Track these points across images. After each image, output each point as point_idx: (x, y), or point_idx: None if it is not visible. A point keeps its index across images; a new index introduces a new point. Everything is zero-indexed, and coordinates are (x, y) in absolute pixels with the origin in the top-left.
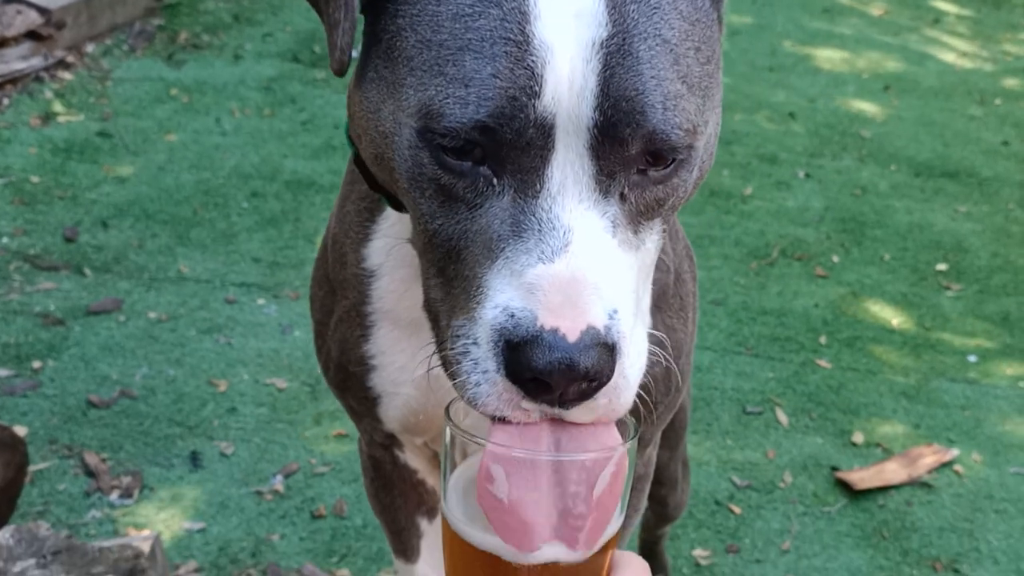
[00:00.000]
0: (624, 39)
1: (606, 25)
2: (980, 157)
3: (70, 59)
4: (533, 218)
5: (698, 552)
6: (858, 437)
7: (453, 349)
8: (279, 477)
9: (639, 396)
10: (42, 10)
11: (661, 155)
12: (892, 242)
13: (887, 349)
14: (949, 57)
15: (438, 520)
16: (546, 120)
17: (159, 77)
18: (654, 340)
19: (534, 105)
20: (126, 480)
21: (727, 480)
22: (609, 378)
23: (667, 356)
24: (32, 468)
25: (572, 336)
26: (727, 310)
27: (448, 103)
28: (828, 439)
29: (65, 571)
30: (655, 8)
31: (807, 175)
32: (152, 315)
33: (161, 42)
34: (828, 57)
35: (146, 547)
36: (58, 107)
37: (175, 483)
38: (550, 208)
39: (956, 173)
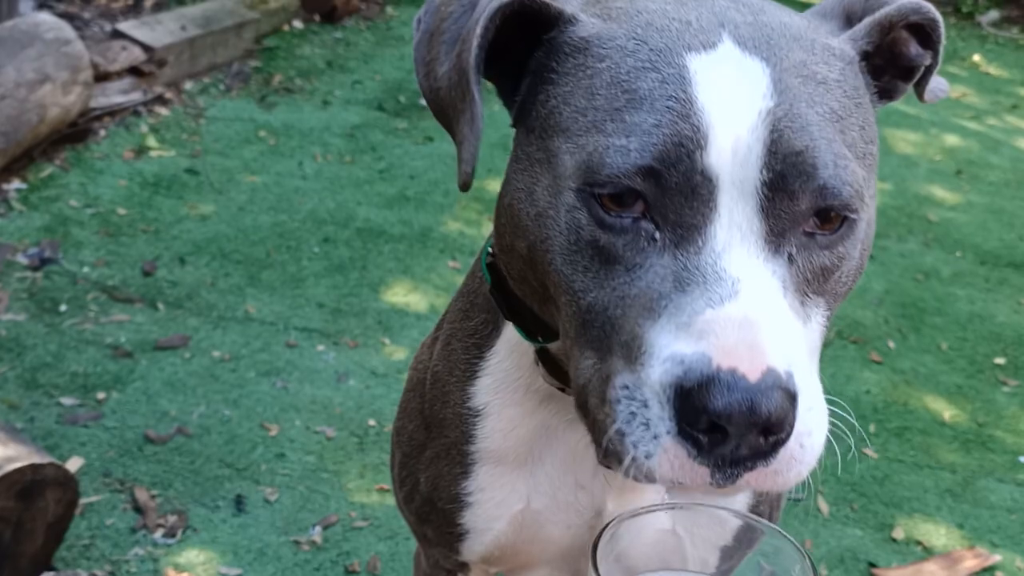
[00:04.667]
0: (791, 106)
1: (771, 96)
2: None
3: (168, 95)
4: (697, 271)
5: None
6: (899, 533)
7: (615, 422)
8: (318, 528)
9: (745, 528)
10: (146, 47)
11: (829, 215)
12: (951, 331)
13: (936, 442)
14: None
15: None
16: (711, 175)
17: (250, 118)
18: None
19: (699, 156)
20: (172, 519)
21: (755, 565)
22: (790, 433)
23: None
24: (83, 500)
25: (752, 376)
26: None
27: (609, 152)
28: (868, 532)
29: None
30: (821, 83)
31: (871, 256)
32: (216, 354)
33: (256, 84)
34: (902, 138)
35: None
36: (151, 142)
37: (218, 526)
38: (715, 262)
39: (1022, 264)
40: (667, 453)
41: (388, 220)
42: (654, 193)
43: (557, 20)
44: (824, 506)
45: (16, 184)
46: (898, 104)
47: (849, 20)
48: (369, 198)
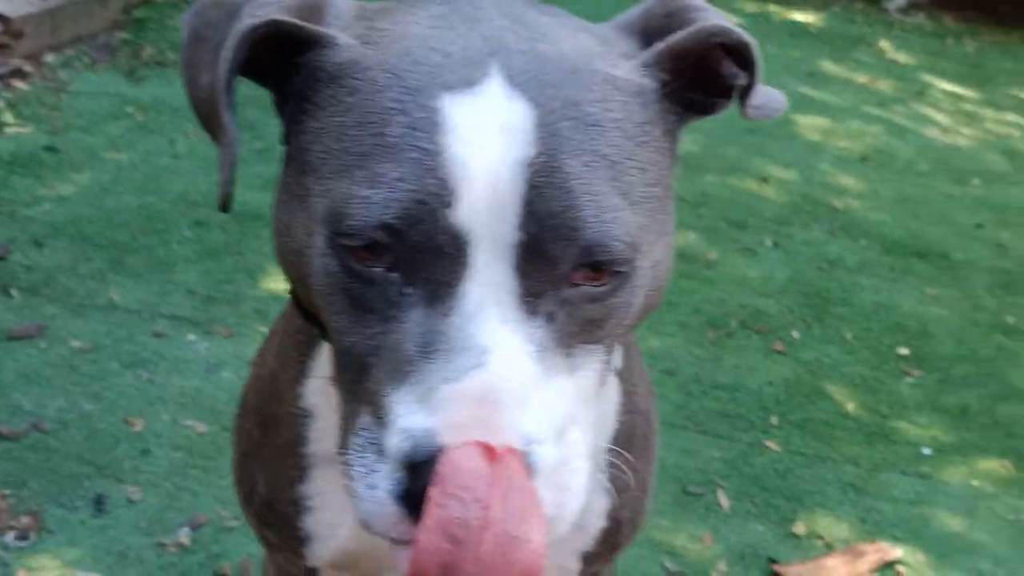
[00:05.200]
0: (553, 157)
1: (533, 145)
2: (953, 239)
3: (27, 68)
4: (445, 336)
5: None
6: (799, 528)
7: (351, 464)
8: (185, 529)
9: (606, 534)
10: (2, 18)
11: (599, 269)
12: (856, 321)
13: (839, 434)
14: (931, 132)
15: None
16: (461, 233)
17: (116, 92)
18: (620, 483)
19: (445, 214)
20: (25, 520)
21: (658, 564)
22: None
23: (634, 500)
24: None
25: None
26: (678, 381)
27: (353, 203)
28: (769, 527)
29: None
30: (593, 125)
31: (775, 244)
32: (75, 343)
33: (124, 57)
34: (809, 124)
35: None
36: (7, 117)
37: (76, 527)
38: (464, 327)
39: (927, 254)
40: (383, 509)
41: (266, 203)
42: (401, 249)
43: (313, 43)
44: (725, 501)
45: None
46: (808, 88)
47: (648, 37)
48: (246, 179)
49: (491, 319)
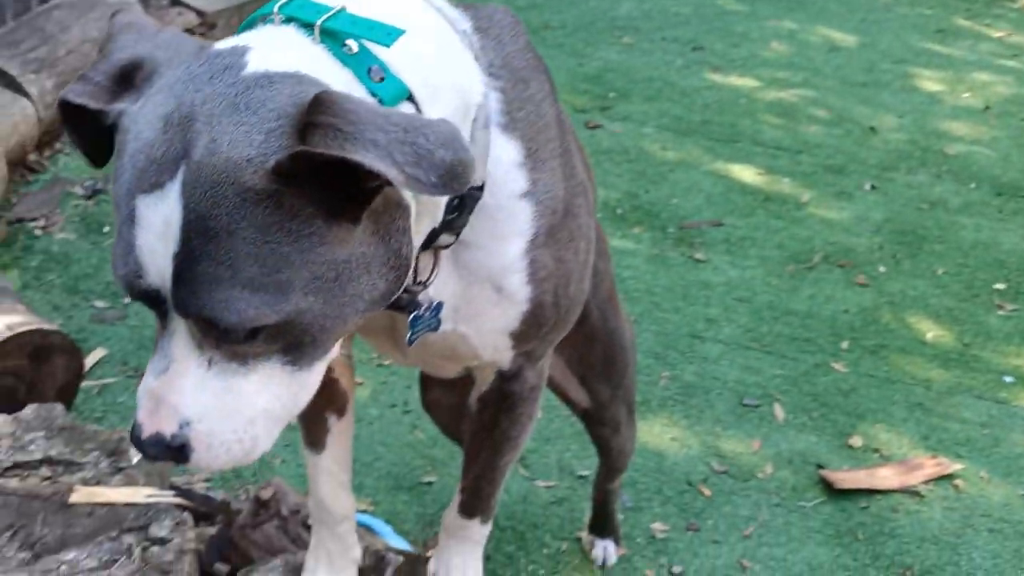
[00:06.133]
0: (186, 256)
1: (177, 245)
2: None
3: None
4: (162, 342)
5: (656, 526)
6: (856, 441)
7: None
8: None
9: (531, 315)
10: (200, 12)
11: (238, 333)
12: (950, 257)
13: (914, 360)
14: None
15: (346, 418)
16: (153, 291)
17: None
18: (542, 269)
19: (140, 283)
20: None
21: (704, 464)
22: (181, 462)
23: (557, 284)
24: (103, 382)
25: (145, 434)
26: (751, 308)
27: (113, 260)
28: (823, 439)
29: (64, 443)
30: (213, 236)
31: (873, 187)
32: None
33: None
34: (930, 77)
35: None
36: None
37: None
38: (169, 342)
39: None
40: (132, 444)
41: None
42: (138, 295)
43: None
44: (780, 413)
45: None
46: (934, 43)
47: (302, 133)
48: None
49: (179, 341)
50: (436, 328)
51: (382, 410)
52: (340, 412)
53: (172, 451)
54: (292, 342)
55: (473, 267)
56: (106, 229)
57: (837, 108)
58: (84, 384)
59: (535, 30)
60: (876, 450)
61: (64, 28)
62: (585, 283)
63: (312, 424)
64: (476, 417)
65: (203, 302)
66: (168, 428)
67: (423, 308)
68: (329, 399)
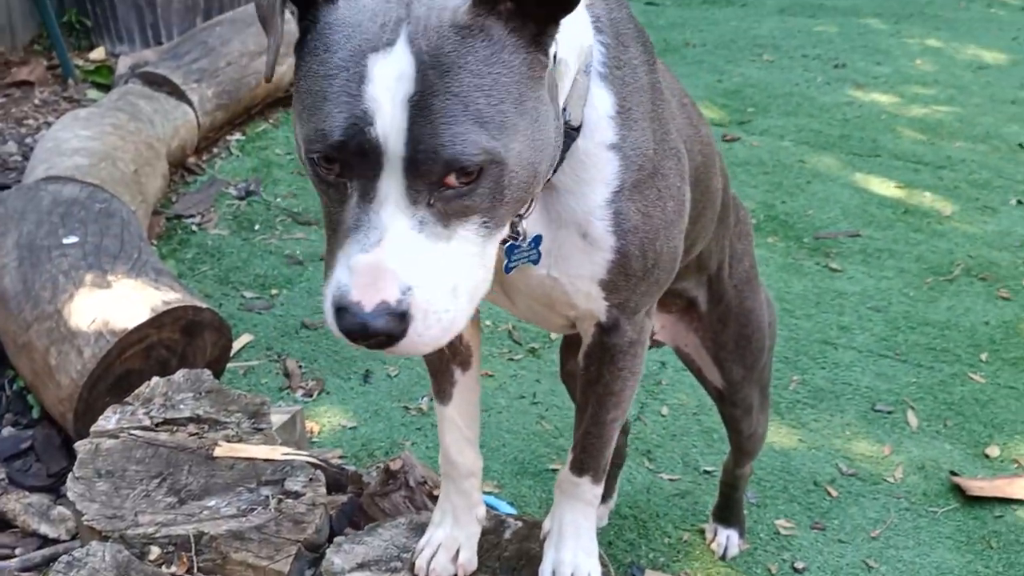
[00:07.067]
0: (423, 96)
1: (413, 87)
2: None
3: None
4: (365, 217)
5: (781, 522)
6: (993, 451)
7: (326, 287)
8: (426, 398)
9: (616, 265)
10: None
11: (463, 174)
12: None
13: None
14: None
15: (470, 372)
16: (377, 145)
17: None
18: (626, 221)
19: (369, 130)
20: (311, 383)
21: (832, 466)
22: (400, 337)
23: (644, 238)
24: (249, 363)
25: (369, 306)
26: (886, 317)
27: (315, 133)
28: (958, 447)
29: (210, 404)
30: (447, 71)
31: (1019, 203)
32: None
33: None
34: None
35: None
36: None
37: (346, 392)
38: (377, 212)
39: None
40: (334, 324)
41: None
42: (344, 158)
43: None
44: (914, 420)
45: (236, 136)
46: None
47: None
48: None
49: (390, 206)
50: (536, 261)
51: (510, 400)
52: (464, 365)
53: (395, 319)
54: (496, 190)
55: (561, 211)
56: (256, 227)
57: (984, 125)
58: (230, 366)
59: (676, 48)
60: (1015, 461)
61: (225, 41)
62: (676, 243)
63: (440, 375)
64: (583, 374)
65: (441, 138)
66: (392, 295)
67: (520, 238)
68: (454, 352)
